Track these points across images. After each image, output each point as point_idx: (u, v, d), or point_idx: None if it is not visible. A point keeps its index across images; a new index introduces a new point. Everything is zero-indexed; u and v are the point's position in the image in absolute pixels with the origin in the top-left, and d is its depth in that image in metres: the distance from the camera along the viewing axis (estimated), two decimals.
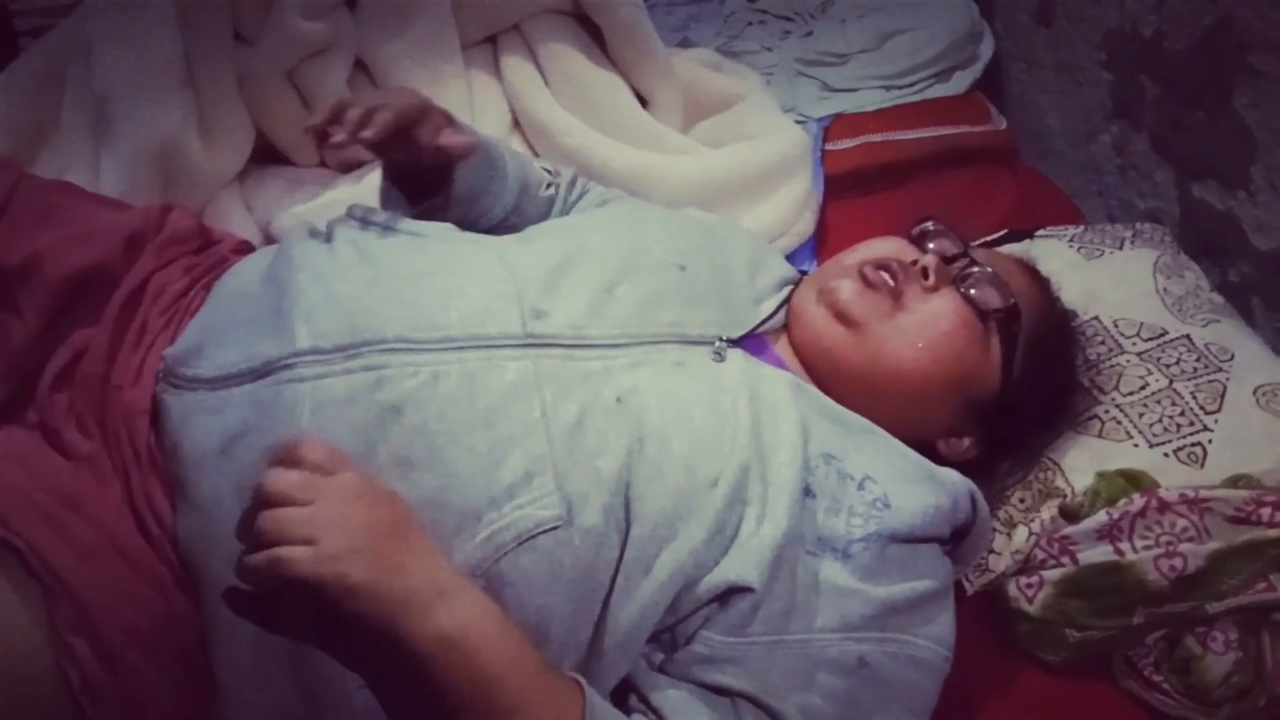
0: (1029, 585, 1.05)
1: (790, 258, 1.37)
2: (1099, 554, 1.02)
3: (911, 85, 1.71)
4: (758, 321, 0.99)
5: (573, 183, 1.20)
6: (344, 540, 0.71)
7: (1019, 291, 1.01)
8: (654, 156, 1.37)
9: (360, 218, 1.01)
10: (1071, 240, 1.32)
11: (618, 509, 0.82)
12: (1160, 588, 0.99)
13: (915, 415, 0.98)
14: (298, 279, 0.90)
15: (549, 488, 0.80)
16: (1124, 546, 1.01)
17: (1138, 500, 1.01)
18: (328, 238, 0.99)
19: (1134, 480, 1.03)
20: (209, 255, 1.02)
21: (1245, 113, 1.30)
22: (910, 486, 0.90)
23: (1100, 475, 1.04)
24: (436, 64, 1.29)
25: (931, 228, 1.05)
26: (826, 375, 0.99)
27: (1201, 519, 0.99)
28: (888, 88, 1.70)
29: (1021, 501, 1.08)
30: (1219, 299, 1.25)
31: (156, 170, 1.17)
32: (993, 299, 0.99)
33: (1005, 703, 1.04)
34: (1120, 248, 1.29)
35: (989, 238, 1.36)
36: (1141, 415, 1.08)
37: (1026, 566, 1.06)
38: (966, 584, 1.06)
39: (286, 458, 0.75)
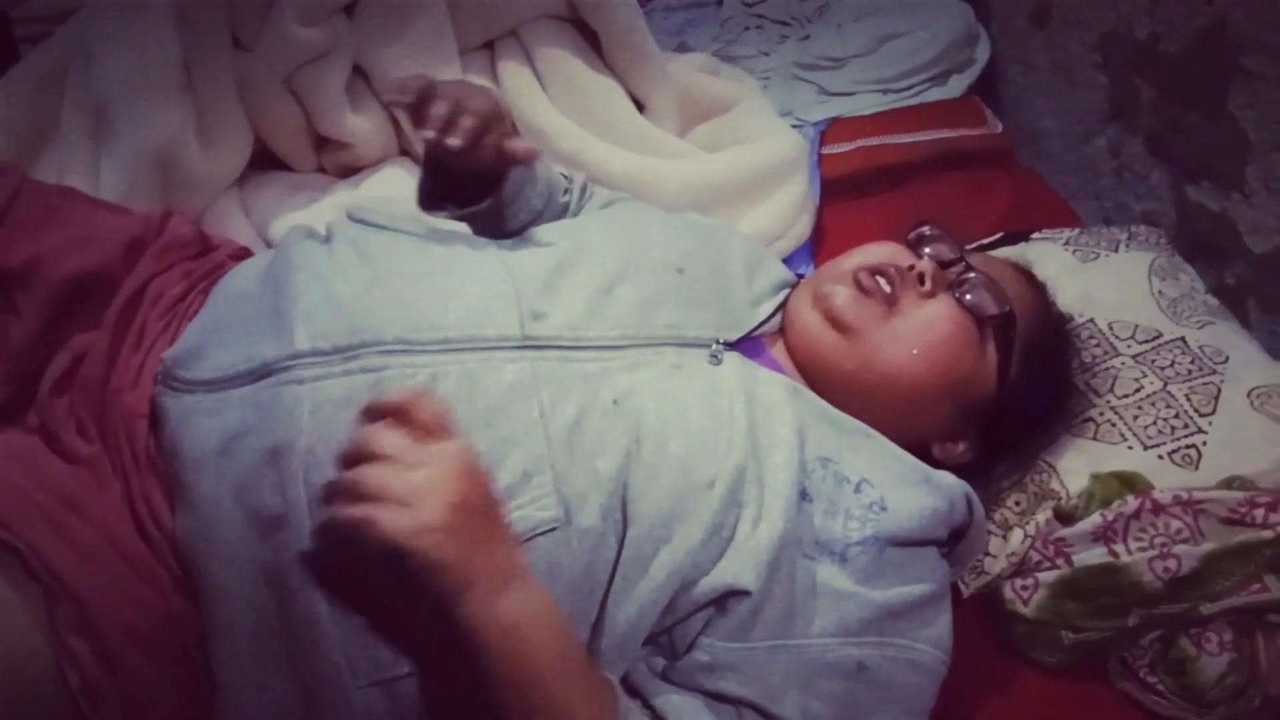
0: (1024, 587, 1.05)
1: (787, 261, 1.37)
2: (1094, 556, 1.02)
3: (908, 89, 1.71)
4: (754, 324, 1.00)
5: (584, 187, 1.21)
6: (441, 514, 0.68)
7: (1015, 297, 1.01)
8: (651, 161, 1.37)
9: (359, 219, 1.02)
10: (1067, 243, 1.32)
11: (615, 510, 0.82)
12: (1155, 589, 0.99)
13: (910, 420, 0.99)
14: (296, 280, 0.90)
15: (547, 488, 0.81)
16: (1119, 548, 1.01)
17: (1132, 502, 1.01)
18: (326, 239, 1.00)
19: (1128, 482, 1.03)
20: (207, 261, 1.02)
21: (1240, 114, 1.30)
22: (907, 490, 0.90)
23: (1095, 477, 1.04)
24: (434, 69, 1.29)
25: (928, 232, 1.05)
26: (821, 379, 0.99)
27: (1196, 520, 1.00)
28: (884, 91, 1.70)
29: (1017, 504, 1.08)
30: (1214, 301, 1.25)
31: (155, 175, 1.18)
32: (988, 305, 0.99)
33: (1001, 704, 1.05)
34: (1115, 250, 1.29)
35: (985, 240, 1.37)
36: (1136, 418, 1.08)
37: (1022, 569, 1.06)
38: (962, 586, 1.07)
39: (395, 411, 0.72)
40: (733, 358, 0.94)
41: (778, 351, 1.02)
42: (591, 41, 1.46)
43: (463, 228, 1.11)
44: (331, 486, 0.70)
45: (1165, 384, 1.10)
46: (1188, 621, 1.01)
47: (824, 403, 0.96)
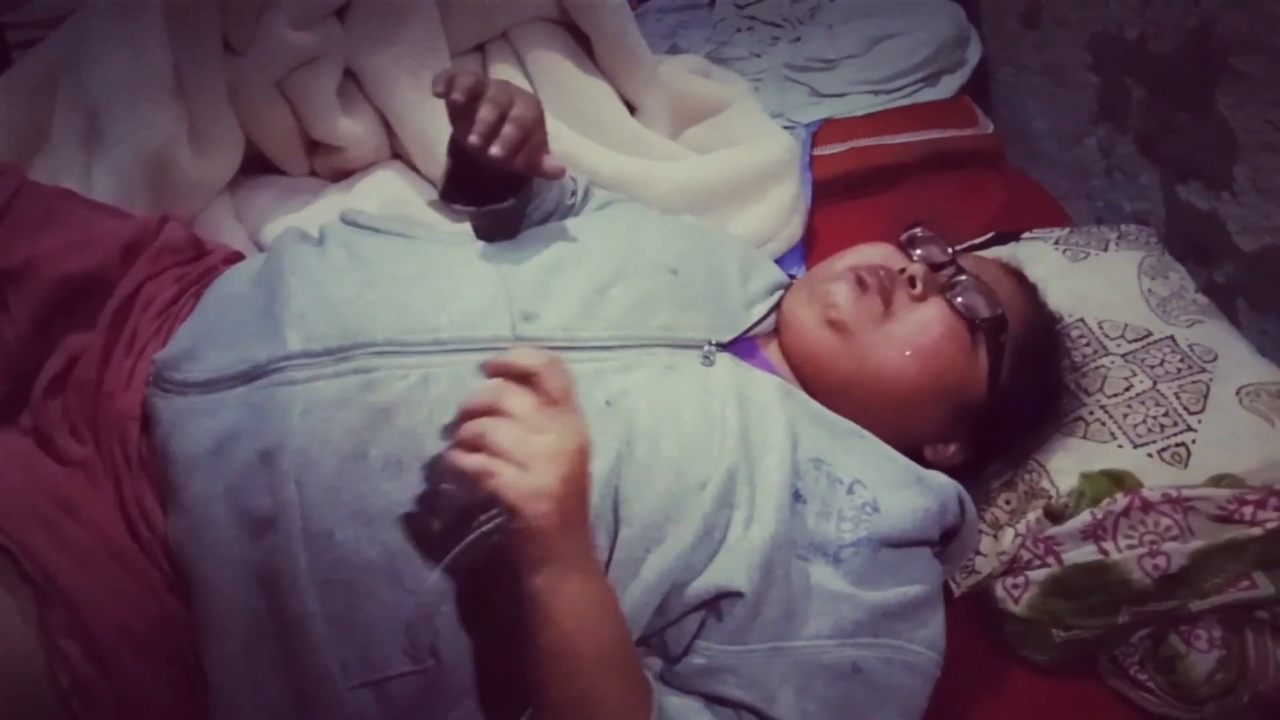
0: (1015, 586, 1.06)
1: (779, 262, 1.37)
2: (1084, 554, 1.02)
3: (899, 90, 1.71)
4: (748, 325, 1.00)
5: (587, 189, 1.21)
6: (554, 483, 0.71)
7: (1006, 299, 1.01)
8: (643, 163, 1.38)
9: (352, 221, 1.02)
10: (1057, 242, 1.32)
11: (606, 511, 0.83)
12: (1144, 586, 1.00)
13: (902, 421, 0.99)
14: (288, 282, 0.90)
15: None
16: (1108, 546, 1.01)
17: (1121, 500, 1.01)
18: (319, 241, 1.00)
19: (1118, 480, 1.03)
20: (200, 265, 1.02)
21: (1229, 114, 1.31)
22: (899, 491, 0.91)
23: (1084, 476, 1.05)
24: (426, 72, 1.29)
25: (920, 233, 1.05)
26: (815, 380, 0.99)
27: (1185, 518, 1.00)
28: (876, 92, 1.70)
29: (1007, 503, 1.09)
30: (1204, 300, 1.26)
31: (147, 180, 1.18)
32: (980, 308, 0.99)
33: (993, 703, 1.05)
34: (1105, 249, 1.30)
35: (976, 240, 1.37)
36: (1126, 416, 1.08)
37: (1012, 567, 1.07)
38: (954, 586, 1.07)
39: (525, 375, 0.74)
40: (725, 359, 0.94)
41: (771, 353, 1.02)
42: (583, 44, 1.46)
43: (465, 225, 1.11)
44: (455, 431, 0.73)
45: (1155, 383, 1.11)
46: (1177, 619, 1.01)
47: (816, 404, 0.96)
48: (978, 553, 1.07)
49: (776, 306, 1.04)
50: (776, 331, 1.04)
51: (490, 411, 0.72)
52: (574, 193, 1.18)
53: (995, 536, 1.07)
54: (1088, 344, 1.16)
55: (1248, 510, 0.99)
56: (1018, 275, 1.10)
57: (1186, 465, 1.04)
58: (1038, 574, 1.04)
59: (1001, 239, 1.36)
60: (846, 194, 1.55)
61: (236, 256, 1.09)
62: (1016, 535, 1.05)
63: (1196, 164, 1.40)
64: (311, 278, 0.91)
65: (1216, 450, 1.04)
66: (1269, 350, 1.22)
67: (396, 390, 0.83)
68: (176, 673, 0.82)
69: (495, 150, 0.91)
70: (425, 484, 0.80)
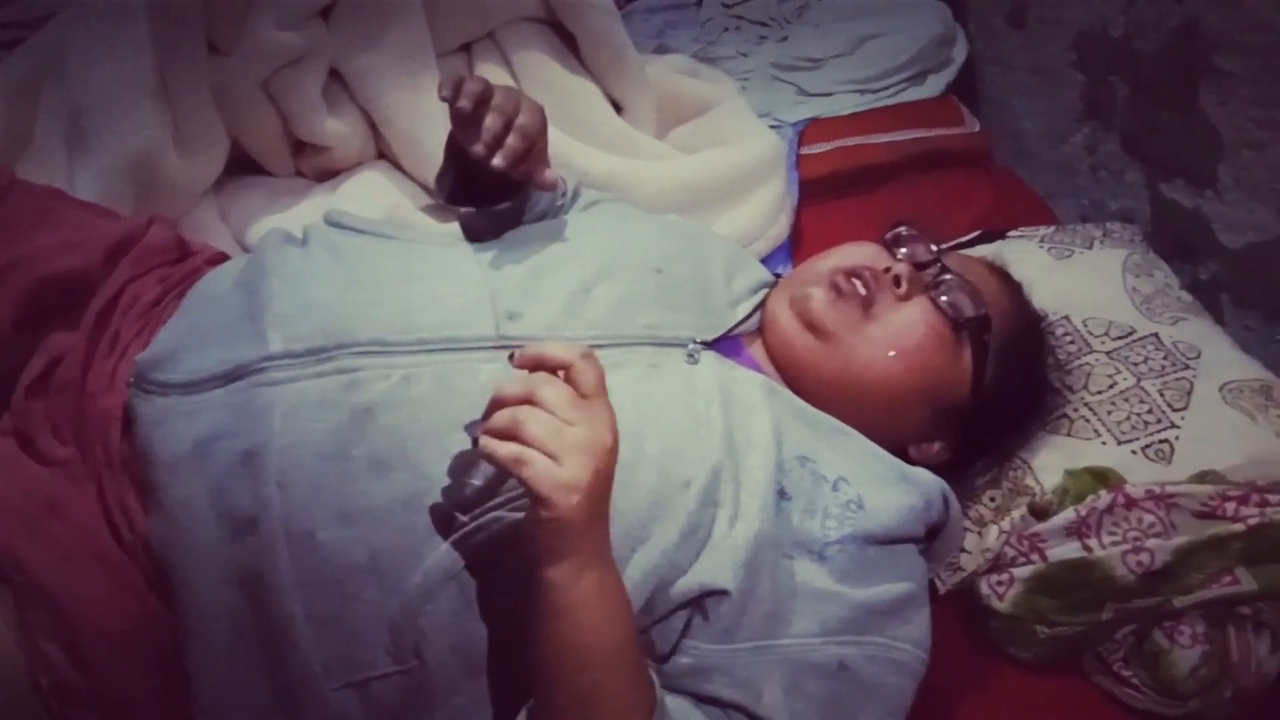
0: (1000, 583, 1.06)
1: (766, 261, 1.37)
2: (1068, 551, 1.03)
3: (886, 89, 1.71)
4: (732, 324, 1.00)
5: (576, 190, 1.21)
6: (583, 476, 0.70)
7: (990, 298, 1.01)
8: (630, 163, 1.37)
9: (336, 222, 1.02)
10: (1042, 240, 1.33)
11: None
12: (1128, 583, 1.00)
13: (886, 421, 0.99)
14: (270, 283, 0.90)
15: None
16: (1092, 543, 1.02)
17: (1105, 497, 1.02)
18: (303, 242, 1.00)
19: (1102, 477, 1.04)
20: (184, 266, 1.02)
21: (1212, 112, 1.32)
22: (884, 488, 0.91)
23: (1068, 473, 1.05)
24: (412, 72, 1.29)
25: (905, 232, 1.05)
26: (799, 380, 0.99)
27: (1168, 514, 1.01)
28: (862, 91, 1.70)
29: (992, 500, 1.09)
30: (1188, 297, 1.26)
31: (131, 182, 1.17)
32: (964, 307, 0.99)
33: (978, 700, 1.05)
34: (1090, 247, 1.30)
35: (962, 239, 1.38)
36: (1110, 413, 1.09)
37: (997, 564, 1.07)
38: (939, 583, 1.08)
39: (559, 367, 0.74)
40: (710, 357, 0.94)
41: (756, 351, 1.02)
42: (569, 44, 1.46)
43: (451, 226, 1.11)
44: (489, 418, 0.72)
45: (1139, 380, 1.11)
46: (1161, 615, 1.02)
47: (801, 401, 0.96)
48: (962, 550, 1.07)
49: (761, 305, 1.04)
50: (761, 330, 1.04)
51: (523, 401, 0.72)
52: (564, 193, 1.18)
53: (980, 534, 1.08)
54: (1072, 341, 1.17)
55: (1230, 506, 0.99)
56: (1002, 274, 1.10)
57: (1170, 462, 1.04)
58: (1022, 571, 1.05)
59: (987, 237, 1.36)
60: (833, 193, 1.55)
61: (221, 258, 1.08)
62: (1001, 532, 1.06)
63: (1181, 162, 1.40)
64: (294, 279, 0.91)
65: (1200, 447, 1.04)
66: (1252, 347, 1.23)
67: (379, 390, 0.83)
68: (159, 674, 0.82)
69: (499, 161, 0.92)
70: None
